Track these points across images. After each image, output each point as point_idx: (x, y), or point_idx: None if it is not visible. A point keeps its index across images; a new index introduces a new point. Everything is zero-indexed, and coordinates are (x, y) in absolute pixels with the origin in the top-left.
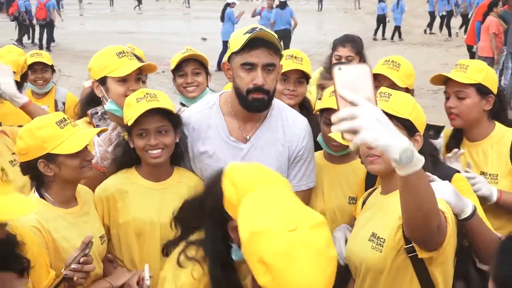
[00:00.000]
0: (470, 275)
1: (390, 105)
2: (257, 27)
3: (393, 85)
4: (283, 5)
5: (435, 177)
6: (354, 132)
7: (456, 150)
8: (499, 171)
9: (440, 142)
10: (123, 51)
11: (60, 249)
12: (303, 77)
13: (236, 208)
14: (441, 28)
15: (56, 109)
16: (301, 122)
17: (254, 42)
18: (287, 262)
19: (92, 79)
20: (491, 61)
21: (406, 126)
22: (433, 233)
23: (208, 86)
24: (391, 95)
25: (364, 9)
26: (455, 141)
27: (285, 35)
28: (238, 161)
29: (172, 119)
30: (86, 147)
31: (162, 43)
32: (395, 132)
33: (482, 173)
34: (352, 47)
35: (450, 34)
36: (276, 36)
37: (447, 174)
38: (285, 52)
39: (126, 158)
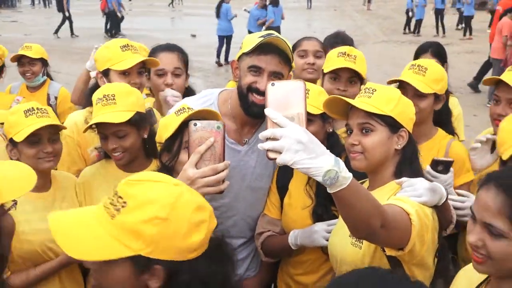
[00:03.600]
0: (450, 273)
1: (372, 101)
2: (273, 33)
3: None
4: (276, 2)
5: (405, 178)
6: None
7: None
8: None
9: (450, 177)
10: (127, 44)
11: (19, 232)
12: (356, 76)
13: None
14: (439, 25)
15: (48, 103)
16: None
17: (266, 47)
18: None
19: (97, 70)
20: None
21: (388, 123)
22: (376, 233)
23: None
24: (375, 90)
25: (353, 7)
26: None
27: (278, 32)
28: (235, 163)
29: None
30: (47, 140)
31: (151, 39)
32: (320, 152)
33: None
34: None
35: (438, 32)
36: (290, 46)
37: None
38: (337, 50)
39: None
